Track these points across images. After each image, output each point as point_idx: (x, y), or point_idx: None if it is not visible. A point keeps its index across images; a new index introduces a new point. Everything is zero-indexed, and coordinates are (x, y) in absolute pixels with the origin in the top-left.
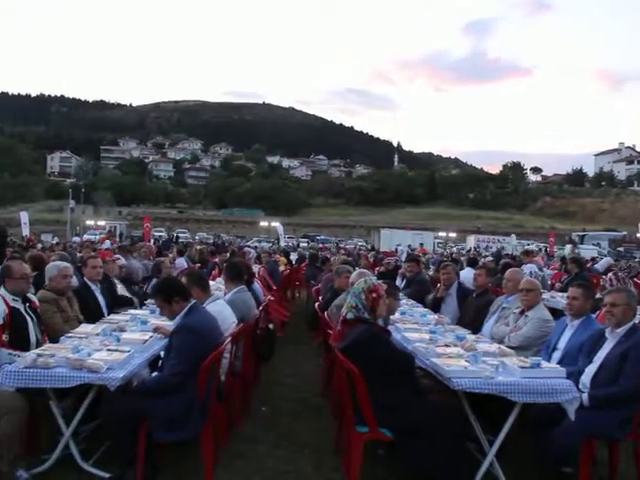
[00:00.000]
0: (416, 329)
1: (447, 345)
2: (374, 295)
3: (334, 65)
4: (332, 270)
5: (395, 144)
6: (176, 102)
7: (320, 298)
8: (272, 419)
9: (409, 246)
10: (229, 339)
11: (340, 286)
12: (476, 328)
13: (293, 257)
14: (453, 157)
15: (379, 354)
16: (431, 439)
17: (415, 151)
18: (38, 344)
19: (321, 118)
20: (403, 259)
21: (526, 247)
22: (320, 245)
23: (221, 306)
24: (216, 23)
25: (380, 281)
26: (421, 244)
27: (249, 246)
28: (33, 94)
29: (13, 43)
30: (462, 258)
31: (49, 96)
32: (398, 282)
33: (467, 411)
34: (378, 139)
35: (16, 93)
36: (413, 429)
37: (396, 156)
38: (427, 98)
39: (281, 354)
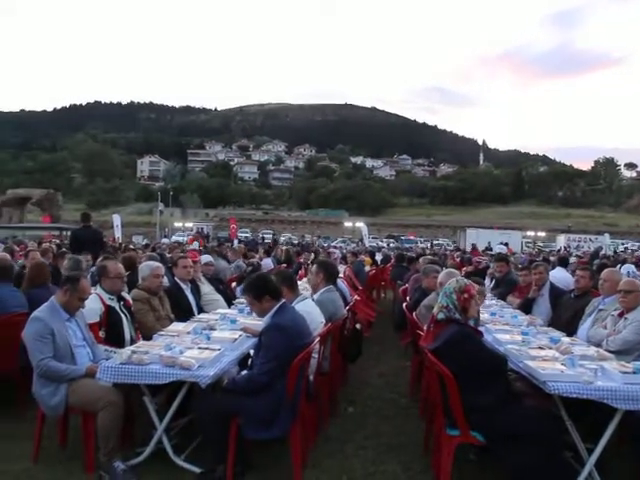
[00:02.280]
0: (507, 330)
1: (541, 347)
2: (465, 295)
3: (414, 63)
4: (419, 270)
5: (480, 142)
6: (260, 105)
7: (407, 298)
8: (359, 419)
9: (489, 244)
10: (318, 339)
11: (429, 286)
12: (571, 330)
13: (378, 257)
14: (541, 154)
15: (471, 355)
16: (526, 445)
17: (501, 149)
18: (132, 341)
19: (404, 117)
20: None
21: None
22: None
23: (310, 306)
24: (297, 26)
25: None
26: (506, 244)
27: (334, 246)
28: (123, 102)
29: (104, 55)
30: (552, 258)
31: (138, 103)
32: (487, 282)
33: (564, 417)
34: (462, 137)
35: (108, 102)
36: (507, 434)
37: (481, 154)
38: (511, 94)
39: (368, 354)
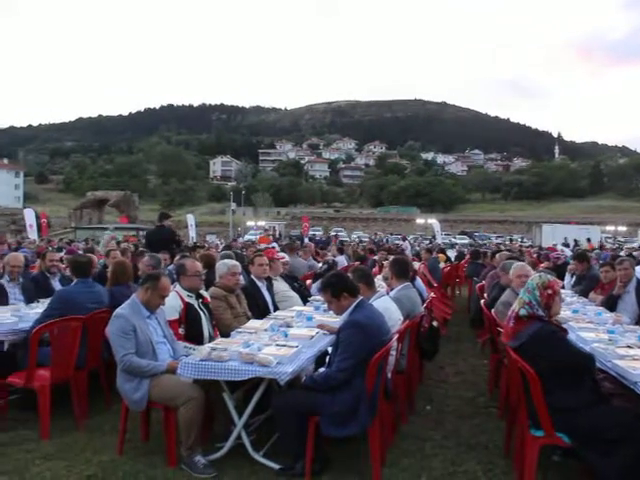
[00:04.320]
0: (592, 328)
1: (629, 346)
2: (549, 291)
3: (485, 56)
4: (496, 266)
5: (555, 134)
6: (328, 103)
7: (485, 295)
8: (438, 418)
9: (575, 241)
10: (396, 336)
11: (507, 282)
12: None
13: (451, 254)
14: (620, 145)
15: (556, 353)
16: (615, 448)
17: (577, 141)
18: (211, 338)
19: (475, 111)
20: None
21: None
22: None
23: (387, 302)
24: (366, 22)
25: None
26: (588, 239)
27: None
28: (195, 104)
29: (177, 59)
30: (635, 253)
31: (210, 105)
32: (567, 279)
33: None
34: (536, 130)
35: (180, 104)
36: (595, 436)
37: (557, 147)
38: (586, 83)
39: (444, 352)
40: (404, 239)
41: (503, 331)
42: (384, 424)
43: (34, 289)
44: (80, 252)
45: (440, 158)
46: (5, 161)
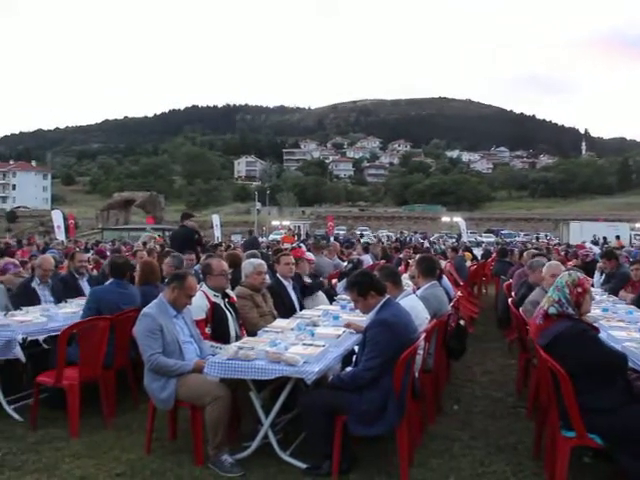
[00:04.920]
0: (623, 327)
1: None
2: (579, 289)
3: (509, 52)
4: (524, 264)
5: (582, 131)
6: (353, 102)
7: (512, 294)
8: (465, 418)
9: (604, 239)
10: (424, 335)
11: (536, 281)
12: None
13: (477, 252)
14: None
15: (587, 352)
16: None
17: (605, 137)
18: (237, 337)
19: (500, 108)
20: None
21: None
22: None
23: (414, 301)
24: (389, 21)
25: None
26: (617, 237)
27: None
28: (220, 105)
29: (201, 60)
30: None
31: (234, 105)
32: (596, 277)
33: None
34: (563, 126)
35: (204, 105)
36: (628, 437)
37: (584, 143)
38: (613, 78)
39: (471, 351)
40: (424, 238)
41: (531, 328)
42: (412, 424)
43: (63, 289)
44: (126, 253)
45: (465, 156)
46: (33, 163)
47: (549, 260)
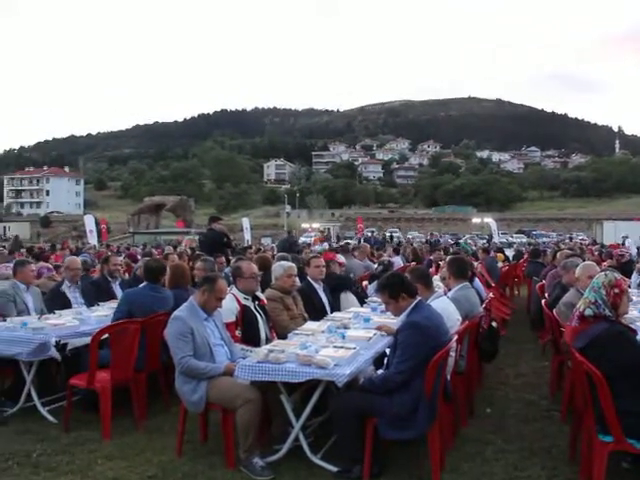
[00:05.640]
0: None
1: None
2: (616, 290)
3: (538, 50)
4: (557, 265)
5: (615, 129)
6: (381, 104)
7: (546, 295)
8: (498, 422)
9: None
10: (456, 337)
11: (569, 282)
12: None
13: (508, 253)
14: None
15: (624, 355)
16: None
17: (639, 135)
18: (267, 340)
19: (530, 107)
20: (634, 252)
21: None
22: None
23: (446, 303)
24: (415, 21)
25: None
26: None
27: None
28: (248, 108)
29: (229, 64)
30: None
31: (263, 109)
32: (634, 277)
33: None
34: (595, 125)
35: (233, 109)
36: None
37: (617, 142)
38: None
39: (504, 354)
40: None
41: (566, 331)
42: (443, 427)
43: (95, 292)
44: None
45: (495, 156)
46: (66, 169)
47: (583, 261)
